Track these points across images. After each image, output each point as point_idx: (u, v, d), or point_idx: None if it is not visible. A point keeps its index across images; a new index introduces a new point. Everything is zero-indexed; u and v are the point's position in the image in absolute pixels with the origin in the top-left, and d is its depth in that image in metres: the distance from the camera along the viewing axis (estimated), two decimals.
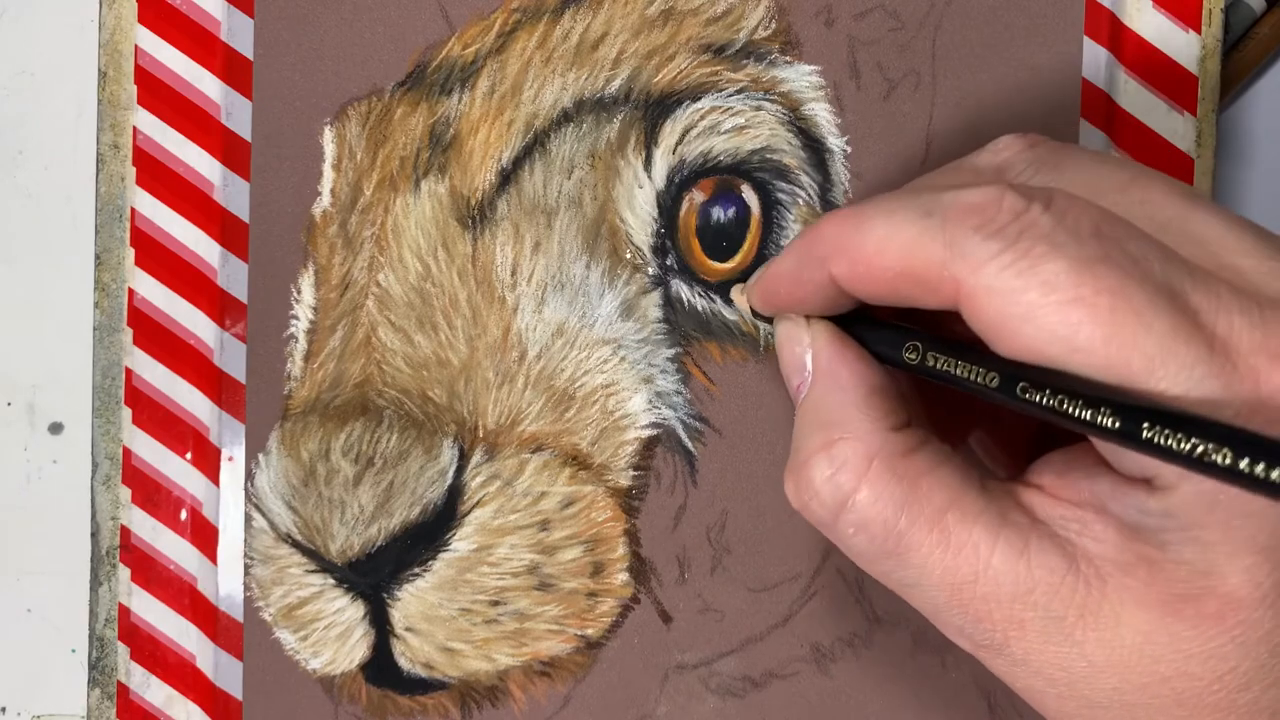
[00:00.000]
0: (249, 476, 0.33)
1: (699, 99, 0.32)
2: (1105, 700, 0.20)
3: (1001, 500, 0.22)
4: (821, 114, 0.32)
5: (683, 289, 0.32)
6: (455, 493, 0.32)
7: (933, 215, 0.21)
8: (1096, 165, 0.22)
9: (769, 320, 0.27)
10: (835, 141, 0.32)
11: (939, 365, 0.22)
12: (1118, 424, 0.19)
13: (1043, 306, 0.19)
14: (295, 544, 0.32)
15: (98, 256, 0.34)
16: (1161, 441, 0.18)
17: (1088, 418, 0.19)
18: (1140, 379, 0.19)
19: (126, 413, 0.33)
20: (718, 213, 0.32)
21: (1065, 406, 0.20)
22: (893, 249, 0.21)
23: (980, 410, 0.27)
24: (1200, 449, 0.18)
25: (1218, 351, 0.19)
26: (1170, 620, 0.20)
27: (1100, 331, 0.19)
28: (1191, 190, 0.22)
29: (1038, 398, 0.20)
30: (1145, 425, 0.18)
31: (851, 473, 0.22)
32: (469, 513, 0.32)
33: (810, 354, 0.24)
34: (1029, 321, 0.19)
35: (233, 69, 0.33)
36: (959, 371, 0.22)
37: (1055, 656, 0.21)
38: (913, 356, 0.23)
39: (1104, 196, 0.21)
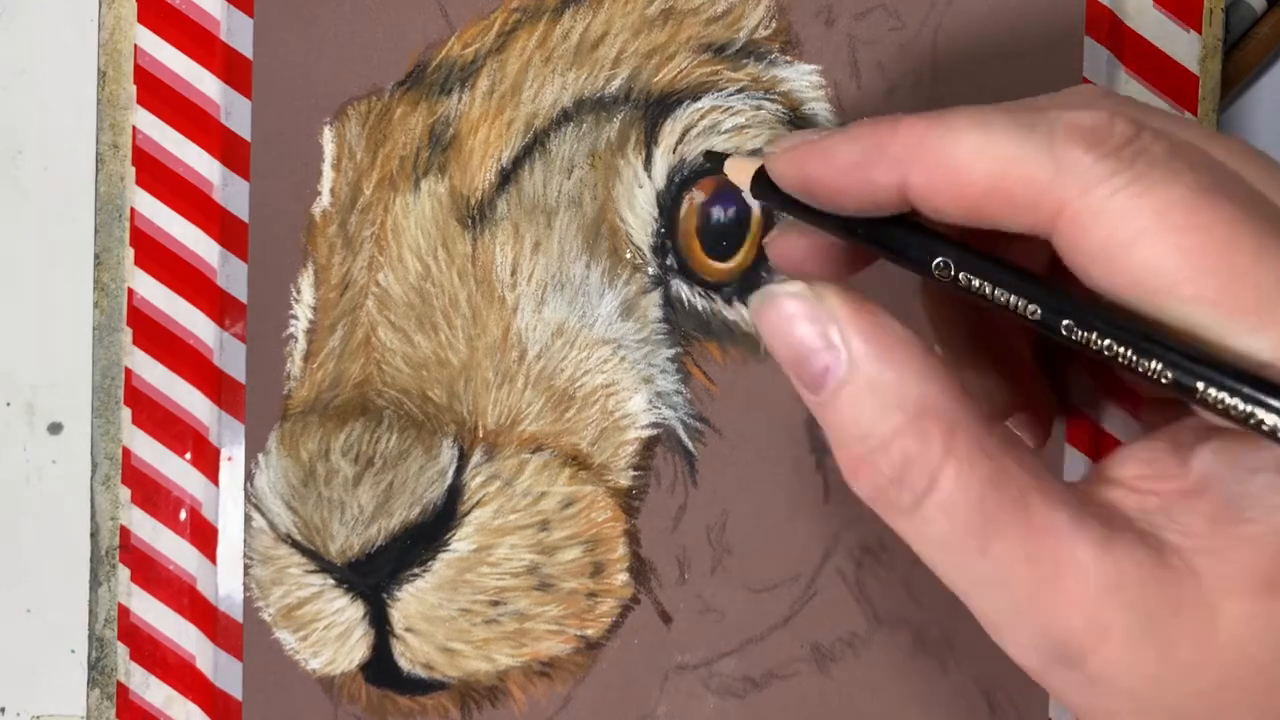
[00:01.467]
0: (248, 476, 0.33)
1: (699, 98, 0.32)
2: (1191, 705, 0.19)
3: (1078, 491, 0.20)
4: (822, 114, 0.32)
5: (683, 289, 0.32)
6: (455, 493, 0.32)
7: (1037, 130, 0.19)
8: (1185, 124, 0.21)
9: (788, 206, 0.23)
10: None
11: (973, 285, 0.20)
12: (1181, 377, 0.18)
13: (1155, 233, 0.18)
14: (295, 544, 0.32)
15: (97, 256, 0.34)
16: (1239, 406, 0.17)
17: (1151, 367, 0.18)
18: (1250, 316, 0.18)
19: (126, 413, 0.33)
20: (718, 212, 0.32)
21: (1123, 350, 0.19)
22: (987, 161, 0.19)
23: (1017, 390, 0.26)
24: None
25: None
26: (1270, 601, 0.18)
27: (1213, 262, 0.18)
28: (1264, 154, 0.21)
29: (1085, 335, 0.19)
30: (1219, 382, 0.17)
31: (938, 451, 0.20)
32: (469, 513, 0.32)
33: (837, 330, 0.21)
34: (1136, 249, 0.18)
35: (232, 69, 0.33)
36: (996, 295, 0.20)
37: (1142, 665, 0.19)
38: (943, 270, 0.21)
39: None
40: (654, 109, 0.32)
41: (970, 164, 0.20)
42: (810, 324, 0.21)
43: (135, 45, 0.33)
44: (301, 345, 0.33)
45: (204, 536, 0.33)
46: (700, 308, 0.32)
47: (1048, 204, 0.19)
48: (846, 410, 0.21)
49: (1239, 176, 0.19)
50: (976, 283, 0.20)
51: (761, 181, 0.24)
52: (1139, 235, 0.18)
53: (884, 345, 0.20)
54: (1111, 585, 0.19)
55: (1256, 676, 0.19)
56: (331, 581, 0.32)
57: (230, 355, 0.33)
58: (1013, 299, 0.20)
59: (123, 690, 0.33)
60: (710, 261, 0.32)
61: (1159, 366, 0.19)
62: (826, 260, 0.24)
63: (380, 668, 0.32)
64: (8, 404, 0.35)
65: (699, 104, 0.32)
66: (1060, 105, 0.20)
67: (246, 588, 0.33)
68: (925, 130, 0.20)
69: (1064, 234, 0.19)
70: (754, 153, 0.29)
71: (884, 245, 0.22)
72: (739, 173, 0.25)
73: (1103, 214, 0.19)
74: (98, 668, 0.33)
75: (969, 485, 0.19)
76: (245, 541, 0.33)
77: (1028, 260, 0.22)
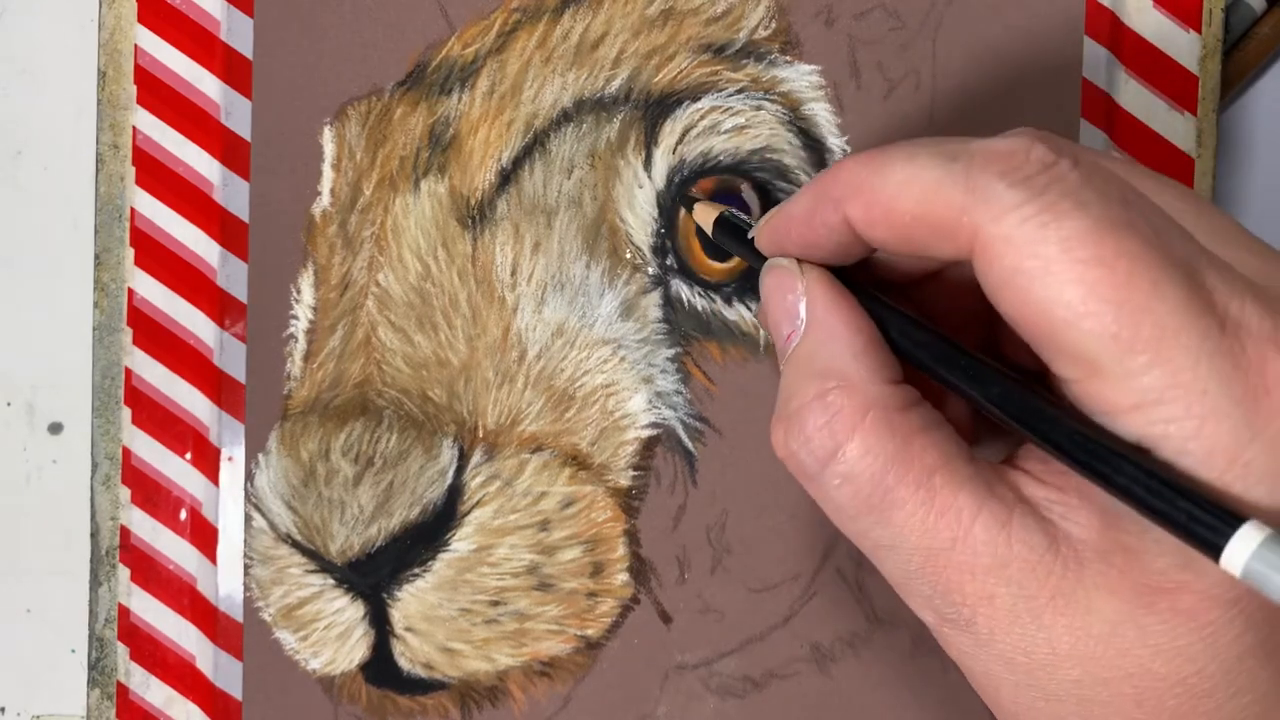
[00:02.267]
0: (249, 476, 0.33)
1: (699, 99, 0.32)
2: (1063, 693, 0.20)
3: (988, 473, 0.21)
4: (821, 114, 0.32)
5: (683, 289, 0.32)
6: (455, 493, 0.32)
7: (957, 160, 0.20)
8: (1110, 160, 0.22)
9: (751, 259, 0.26)
10: (835, 141, 0.32)
11: (920, 355, 0.22)
12: (1082, 459, 0.19)
13: (1059, 263, 0.19)
14: (295, 544, 0.32)
15: (97, 256, 0.34)
16: (1132, 490, 0.18)
17: (1057, 443, 0.20)
18: (1147, 348, 0.18)
19: (126, 413, 0.33)
20: None
21: (1037, 429, 0.20)
22: (912, 192, 0.21)
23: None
24: (1168, 510, 0.18)
25: (1229, 332, 0.18)
26: (1141, 612, 0.19)
27: (1114, 294, 0.18)
28: (1198, 195, 0.22)
29: (1007, 413, 0.20)
30: (1111, 469, 0.19)
31: (846, 423, 0.21)
32: (469, 513, 0.32)
33: (804, 301, 0.23)
34: (1042, 278, 0.19)
35: (232, 69, 0.33)
36: (942, 369, 0.22)
37: (1020, 639, 0.20)
38: (899, 337, 0.23)
39: None
40: (654, 109, 0.32)
41: (897, 194, 0.21)
42: (787, 293, 0.23)
43: (135, 45, 0.33)
44: (302, 345, 0.33)
45: (204, 536, 0.33)
46: (700, 308, 0.32)
47: (964, 230, 0.20)
48: (787, 375, 0.23)
49: (1155, 209, 0.20)
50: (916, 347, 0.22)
51: (722, 228, 0.28)
52: (1045, 265, 0.19)
53: (832, 323, 0.22)
54: (999, 562, 0.20)
55: (1124, 683, 0.19)
56: (331, 581, 0.32)
57: (230, 355, 0.33)
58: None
59: (123, 690, 0.33)
60: (710, 261, 0.32)
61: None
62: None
63: (380, 668, 0.32)
64: (8, 404, 0.35)
65: (699, 104, 0.32)
66: (993, 139, 0.22)
67: (247, 588, 0.33)
68: (859, 168, 0.22)
69: (978, 260, 0.20)
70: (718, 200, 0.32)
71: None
72: (703, 218, 0.28)
73: (1011, 241, 0.19)
74: (98, 668, 0.33)
75: (873, 459, 0.21)
76: (245, 541, 0.33)
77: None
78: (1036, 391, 0.20)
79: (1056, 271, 0.19)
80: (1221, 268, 0.19)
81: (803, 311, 0.23)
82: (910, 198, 0.21)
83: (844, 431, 0.21)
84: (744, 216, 0.27)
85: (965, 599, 0.20)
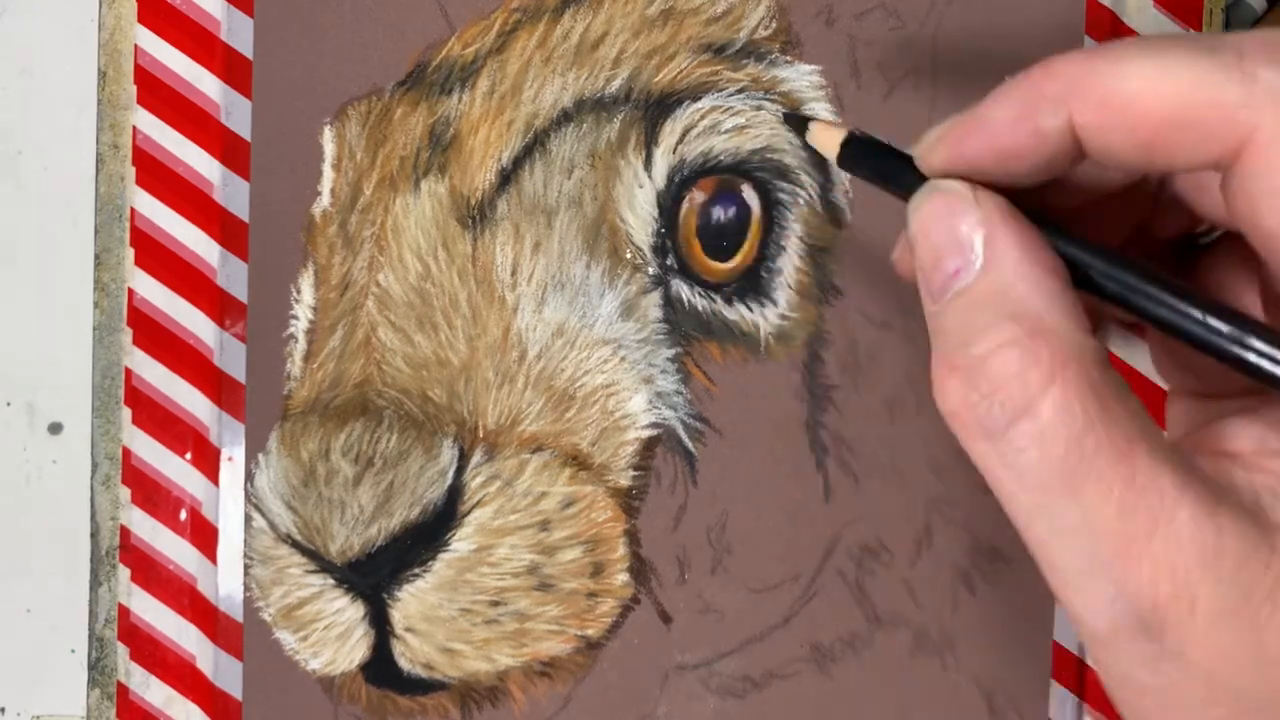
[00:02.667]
0: (249, 477, 0.33)
1: (699, 99, 0.32)
2: (1267, 701, 0.18)
3: (1187, 455, 0.18)
4: (822, 114, 0.32)
5: (683, 289, 0.32)
6: (455, 493, 0.32)
7: (1219, 51, 0.17)
8: None
9: (896, 185, 0.22)
10: None
11: (1134, 297, 0.19)
12: None
13: None
14: (295, 544, 0.32)
15: (97, 256, 0.34)
16: None
17: None
18: None
19: (126, 413, 0.33)
20: (718, 212, 0.32)
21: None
22: (1166, 87, 0.18)
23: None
24: None
25: None
26: None
27: None
28: None
29: (1258, 355, 0.17)
30: None
31: (1044, 374, 0.18)
32: (469, 513, 0.32)
33: (983, 233, 0.19)
34: None
35: (232, 69, 0.33)
36: (1161, 310, 0.18)
37: (1224, 644, 0.17)
38: (1104, 281, 0.19)
39: None
40: (654, 109, 0.32)
41: (1145, 92, 0.18)
42: (958, 222, 0.20)
43: (135, 45, 0.33)
44: (302, 345, 0.33)
45: (204, 536, 0.33)
46: (700, 308, 0.32)
47: (1236, 129, 0.17)
48: (958, 316, 0.19)
49: None
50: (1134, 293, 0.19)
51: (850, 151, 0.23)
52: None
53: (1024, 259, 0.19)
54: (1209, 556, 0.17)
55: None
56: (332, 581, 0.32)
57: (230, 355, 0.33)
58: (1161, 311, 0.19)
59: (123, 690, 0.33)
60: (710, 261, 0.32)
61: None
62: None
63: (380, 668, 0.32)
64: (8, 404, 0.35)
65: (699, 104, 0.32)
66: (1257, 31, 0.18)
67: (247, 588, 0.33)
68: (1086, 65, 0.18)
69: (1247, 164, 0.17)
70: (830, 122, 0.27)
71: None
72: (826, 141, 0.24)
73: None
74: (98, 668, 0.33)
75: (1072, 418, 0.18)
76: (245, 541, 0.33)
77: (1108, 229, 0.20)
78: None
79: None
80: None
81: (979, 245, 0.19)
82: (1163, 95, 0.18)
83: (1040, 383, 0.18)
84: (879, 138, 0.23)
85: (1158, 601, 0.17)
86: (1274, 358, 0.18)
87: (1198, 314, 0.18)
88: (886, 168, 0.22)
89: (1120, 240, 0.22)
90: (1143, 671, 0.18)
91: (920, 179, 0.21)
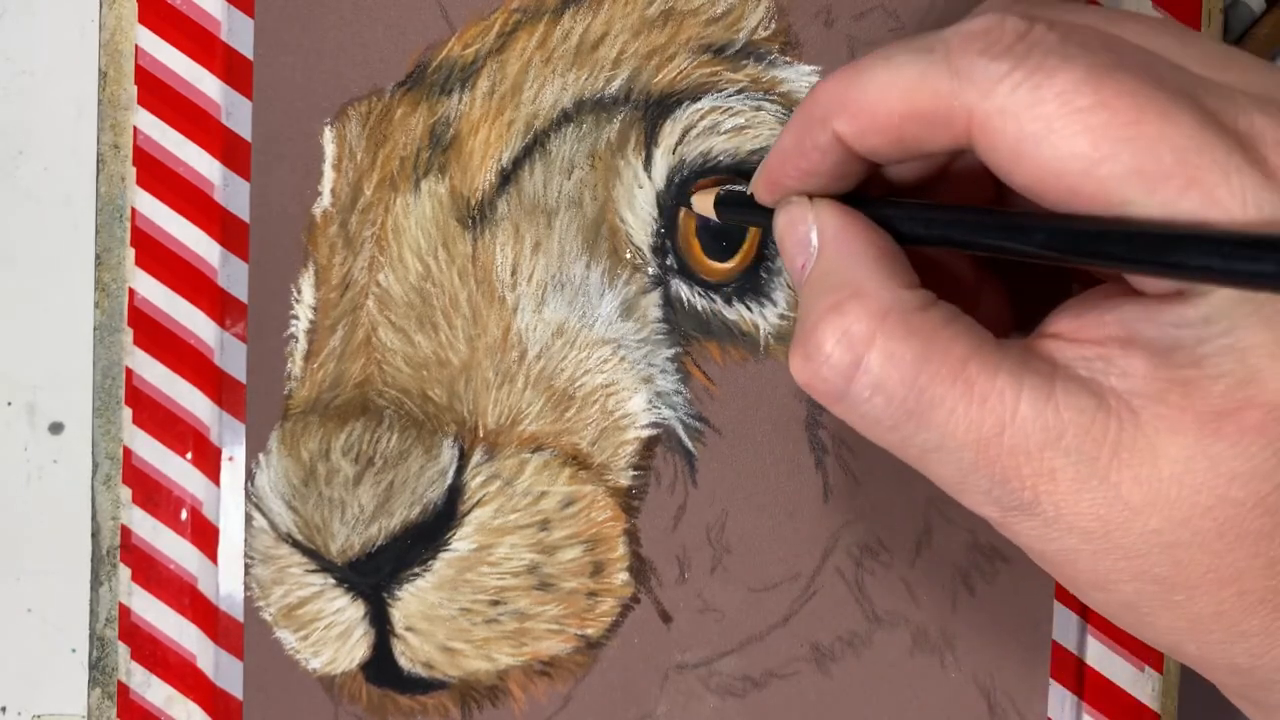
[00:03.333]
0: (249, 476, 0.33)
1: (699, 99, 0.32)
2: (1143, 546, 0.19)
3: (1019, 351, 0.20)
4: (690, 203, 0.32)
5: (682, 289, 0.32)
6: (455, 492, 0.32)
7: (934, 50, 0.20)
8: (1082, 10, 0.22)
9: (752, 217, 0.25)
10: None
11: (952, 234, 0.21)
12: (1141, 254, 0.18)
13: (1061, 117, 0.18)
14: (295, 544, 0.32)
15: (98, 256, 0.34)
16: (1206, 264, 0.17)
17: (1117, 253, 0.18)
18: (1174, 173, 0.18)
19: (127, 412, 0.33)
20: None
21: (1098, 247, 0.19)
22: (896, 90, 0.20)
23: (983, 279, 0.26)
24: (1244, 267, 0.17)
25: (1247, 146, 0.18)
26: (1209, 441, 0.19)
27: (1125, 131, 0.18)
28: (1179, 25, 0.21)
29: (1068, 246, 0.19)
30: (1171, 248, 0.18)
31: (864, 330, 0.20)
32: (469, 512, 0.32)
33: (815, 229, 0.22)
34: (1047, 138, 0.19)
35: (233, 69, 0.33)
36: (981, 236, 0.21)
37: (1090, 505, 0.19)
38: (925, 229, 0.22)
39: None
40: (654, 110, 0.32)
41: (881, 97, 0.21)
42: (799, 226, 0.23)
43: (136, 46, 0.33)
44: (302, 345, 0.33)
45: (205, 536, 0.33)
46: (700, 308, 0.32)
47: (958, 115, 0.20)
48: (802, 303, 0.22)
49: (1138, 49, 0.20)
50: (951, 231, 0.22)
51: (725, 205, 0.27)
52: (1047, 124, 0.19)
53: (843, 239, 0.22)
54: (1053, 435, 0.19)
55: (1203, 518, 0.19)
56: (332, 581, 0.32)
57: (231, 355, 0.33)
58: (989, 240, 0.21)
59: (123, 690, 0.33)
60: (710, 262, 0.32)
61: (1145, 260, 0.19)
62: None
63: (381, 667, 0.33)
64: (9, 404, 0.35)
65: (699, 105, 0.32)
66: (963, 21, 0.21)
67: (247, 587, 0.33)
68: (838, 81, 0.21)
69: (979, 141, 0.20)
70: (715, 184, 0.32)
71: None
72: (703, 206, 0.29)
73: (1008, 111, 0.19)
74: (98, 667, 0.33)
75: (900, 362, 0.20)
76: (246, 541, 0.33)
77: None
78: (1079, 218, 0.19)
79: (1060, 127, 0.19)
80: (1219, 89, 0.19)
81: (814, 239, 0.22)
82: (895, 97, 0.20)
83: (863, 340, 0.20)
84: (740, 186, 0.27)
85: (1024, 482, 0.20)
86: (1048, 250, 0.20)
87: (1007, 233, 0.20)
88: (750, 211, 0.26)
89: (985, 200, 0.25)
90: (1038, 542, 0.21)
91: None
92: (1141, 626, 0.21)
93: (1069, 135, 0.18)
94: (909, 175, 0.25)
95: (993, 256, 0.23)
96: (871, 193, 0.24)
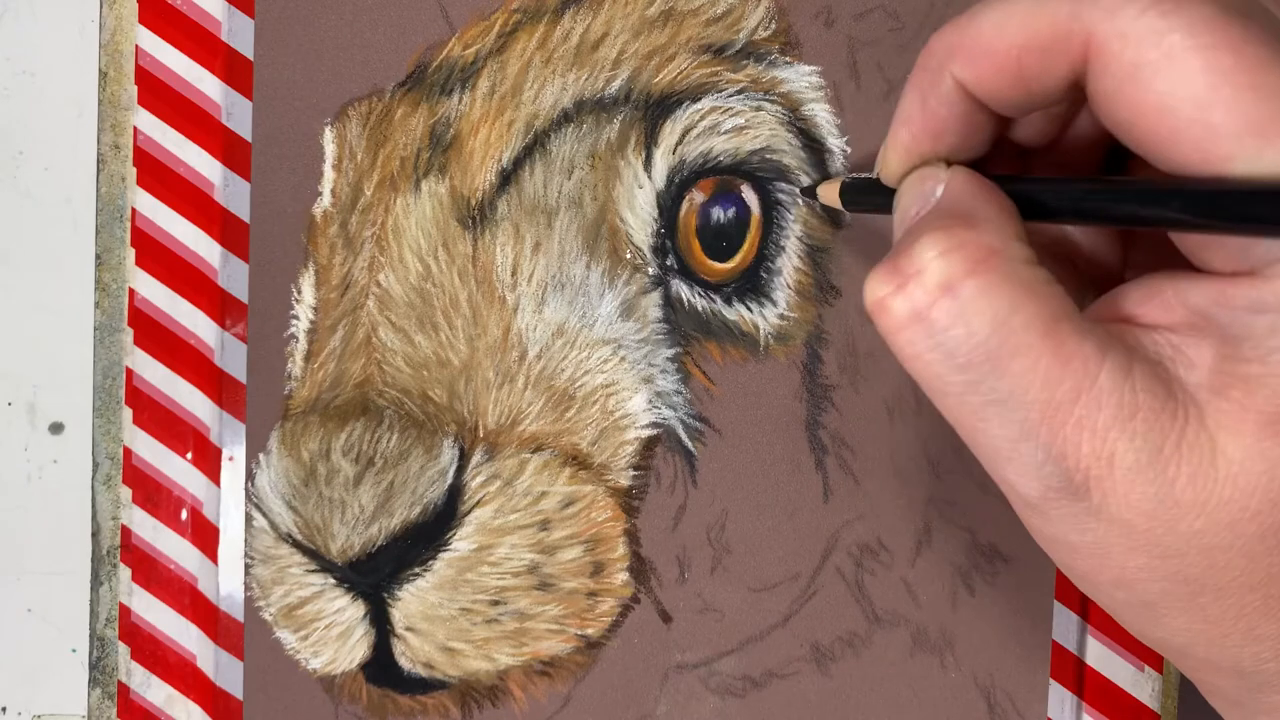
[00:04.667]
0: (249, 476, 0.33)
1: (699, 99, 0.32)
2: (1182, 546, 0.19)
3: (1102, 327, 0.20)
4: (821, 114, 0.32)
5: (683, 289, 0.32)
6: (455, 492, 0.32)
7: None
8: None
9: (881, 201, 0.24)
10: (835, 142, 0.32)
11: (1085, 205, 0.21)
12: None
13: (1184, 50, 0.18)
14: (296, 544, 0.32)
15: (98, 256, 0.34)
16: None
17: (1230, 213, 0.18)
18: None
19: (127, 413, 0.33)
20: (718, 213, 0.32)
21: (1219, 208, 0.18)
22: (1014, 21, 0.20)
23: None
24: None
25: None
26: (1269, 444, 0.18)
27: (1248, 79, 0.17)
28: None
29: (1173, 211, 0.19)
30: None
31: (967, 257, 0.19)
32: (469, 512, 0.32)
33: (943, 185, 0.21)
34: (1165, 70, 0.18)
35: (233, 69, 0.33)
36: (1109, 205, 0.20)
37: (1140, 499, 0.19)
38: (1055, 201, 0.21)
39: None
40: (654, 110, 0.32)
41: (997, 31, 0.20)
42: (926, 182, 0.22)
43: (136, 46, 0.33)
44: (302, 345, 0.33)
45: (205, 536, 0.33)
46: (700, 308, 0.32)
47: (1076, 40, 0.19)
48: (905, 234, 0.21)
49: (1263, 7, 0.19)
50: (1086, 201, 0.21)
51: (849, 195, 0.27)
52: (1168, 54, 0.18)
53: (970, 187, 0.21)
54: (1125, 413, 0.19)
55: (1250, 522, 0.19)
56: (332, 581, 0.32)
57: (231, 355, 0.33)
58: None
59: (124, 690, 0.33)
60: (710, 262, 0.32)
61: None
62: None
63: (381, 667, 0.33)
64: (9, 404, 0.35)
65: (699, 105, 0.32)
66: None
67: (247, 587, 0.33)
68: (950, 27, 0.21)
69: (1095, 65, 0.19)
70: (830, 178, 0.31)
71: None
72: (828, 197, 0.28)
73: (1129, 36, 0.18)
74: (99, 667, 0.33)
75: (995, 299, 0.19)
76: (246, 541, 0.33)
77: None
78: (1201, 182, 0.19)
79: (1181, 60, 0.18)
80: None
81: (939, 191, 0.22)
82: (1013, 28, 0.20)
83: (963, 266, 0.19)
84: (865, 174, 0.26)
85: (1081, 461, 0.19)
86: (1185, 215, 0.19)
87: (1143, 200, 0.20)
88: (879, 196, 0.25)
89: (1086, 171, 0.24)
90: (1072, 531, 0.20)
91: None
92: (1152, 626, 0.20)
93: (1189, 71, 0.18)
94: (1031, 136, 0.24)
95: (1114, 230, 0.23)
96: (998, 170, 0.23)
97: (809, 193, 0.31)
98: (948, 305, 0.19)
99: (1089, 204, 0.20)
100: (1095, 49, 0.19)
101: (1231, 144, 0.18)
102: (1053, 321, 0.19)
